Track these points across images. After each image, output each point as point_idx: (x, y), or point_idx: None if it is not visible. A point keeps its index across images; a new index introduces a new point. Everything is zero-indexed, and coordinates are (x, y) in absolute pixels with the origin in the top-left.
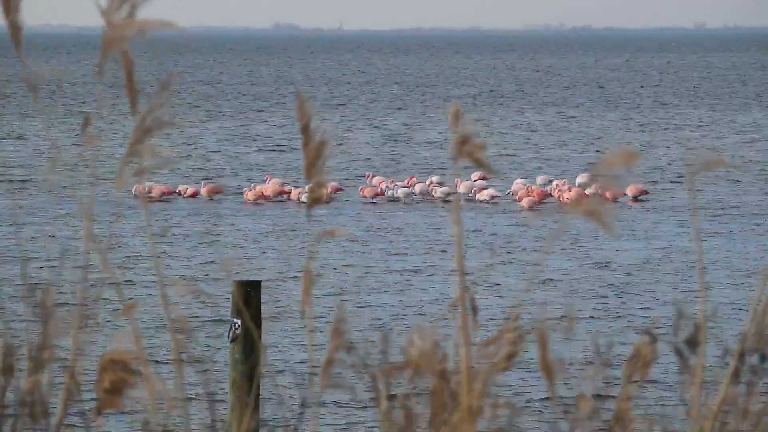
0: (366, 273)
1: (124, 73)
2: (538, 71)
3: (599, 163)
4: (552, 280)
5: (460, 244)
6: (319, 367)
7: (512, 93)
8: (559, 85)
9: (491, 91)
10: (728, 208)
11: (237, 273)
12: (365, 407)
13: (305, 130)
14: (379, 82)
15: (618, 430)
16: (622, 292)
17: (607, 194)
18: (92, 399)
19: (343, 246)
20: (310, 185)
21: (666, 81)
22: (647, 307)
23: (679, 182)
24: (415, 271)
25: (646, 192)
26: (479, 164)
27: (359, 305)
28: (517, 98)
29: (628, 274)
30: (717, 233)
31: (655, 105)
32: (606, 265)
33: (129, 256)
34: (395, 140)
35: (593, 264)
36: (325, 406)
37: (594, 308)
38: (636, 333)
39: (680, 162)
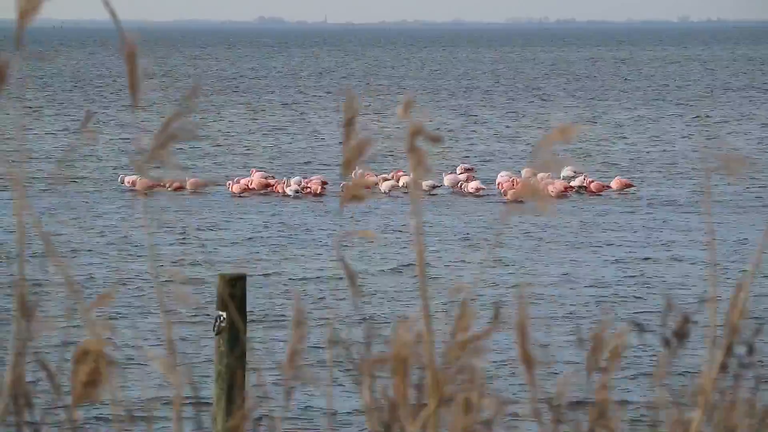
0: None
1: (126, 67)
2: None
3: (539, 144)
4: (546, 273)
5: (419, 236)
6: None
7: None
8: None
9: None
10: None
11: (224, 266)
12: (350, 398)
13: (349, 125)
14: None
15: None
16: (616, 284)
17: (592, 187)
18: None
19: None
20: (349, 182)
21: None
22: (642, 300)
23: (662, 174)
24: (406, 264)
25: (631, 185)
26: (419, 156)
27: (348, 298)
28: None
29: (621, 268)
30: (702, 227)
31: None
32: (599, 258)
33: (121, 249)
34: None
35: (588, 256)
36: (310, 407)
37: (587, 300)
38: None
39: (680, 157)
